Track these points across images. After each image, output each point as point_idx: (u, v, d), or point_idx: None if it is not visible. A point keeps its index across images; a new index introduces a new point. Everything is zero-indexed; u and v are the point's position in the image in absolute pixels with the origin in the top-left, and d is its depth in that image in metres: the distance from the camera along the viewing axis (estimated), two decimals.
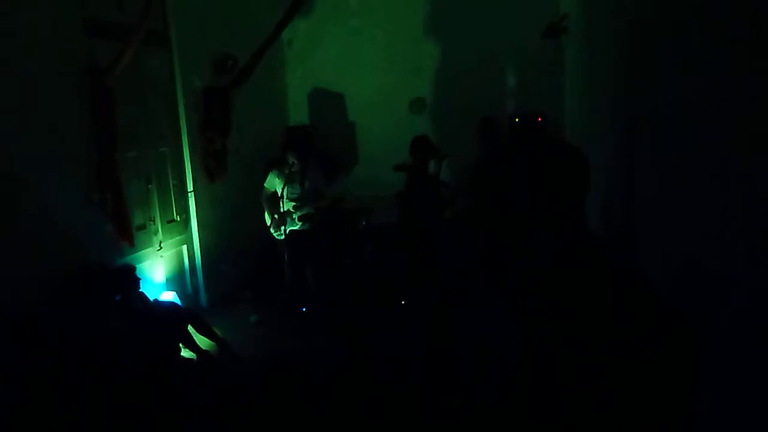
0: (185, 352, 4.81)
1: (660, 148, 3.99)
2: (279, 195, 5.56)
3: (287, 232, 5.69)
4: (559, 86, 7.50)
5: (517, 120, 6.88)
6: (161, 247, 5.47)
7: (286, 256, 5.79)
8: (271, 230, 5.73)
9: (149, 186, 5.34)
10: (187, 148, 5.83)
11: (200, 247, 6.03)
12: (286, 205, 5.67)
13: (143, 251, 5.21)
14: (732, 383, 2.29)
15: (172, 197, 5.70)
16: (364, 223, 6.84)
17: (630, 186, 4.93)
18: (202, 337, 4.98)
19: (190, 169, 5.86)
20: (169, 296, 5.28)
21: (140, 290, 4.62)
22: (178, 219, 5.77)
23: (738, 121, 2.17)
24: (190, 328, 4.90)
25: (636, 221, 4.91)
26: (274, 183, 5.69)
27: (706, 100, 2.69)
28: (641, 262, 4.63)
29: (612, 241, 5.60)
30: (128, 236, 4.87)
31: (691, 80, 2.92)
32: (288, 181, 5.57)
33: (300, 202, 5.70)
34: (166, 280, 5.58)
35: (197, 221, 5.97)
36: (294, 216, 5.71)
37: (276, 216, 5.62)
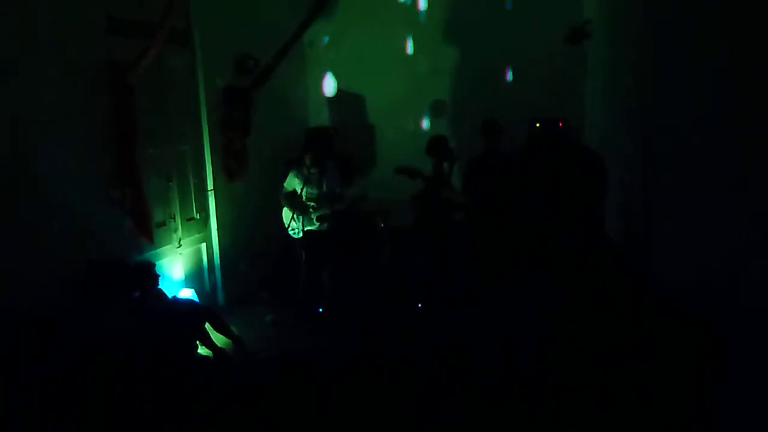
0: (202, 349, 4.85)
1: (679, 155, 3.96)
2: (298, 195, 5.60)
3: (304, 231, 5.71)
4: (581, 92, 7.47)
5: (537, 125, 6.83)
6: (180, 245, 5.51)
7: (302, 257, 5.81)
8: (289, 230, 5.76)
9: (169, 183, 5.38)
10: (208, 146, 5.87)
11: (219, 245, 6.06)
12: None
13: (163, 248, 5.25)
14: (754, 386, 2.26)
15: (192, 195, 5.74)
16: (381, 225, 6.83)
17: (648, 192, 4.90)
18: (219, 334, 5.01)
19: (210, 168, 5.90)
20: (188, 293, 5.31)
21: (159, 287, 4.66)
22: (198, 217, 5.81)
23: (756, 129, 2.15)
24: (207, 325, 4.93)
25: (654, 226, 4.88)
26: (294, 183, 5.74)
27: (728, 108, 2.67)
28: (658, 267, 4.59)
29: (630, 245, 5.56)
30: (148, 233, 4.91)
31: (712, 89, 2.90)
32: (307, 182, 5.60)
33: (318, 203, 5.71)
34: (185, 277, 5.62)
35: (216, 220, 6.01)
36: (312, 216, 5.73)
37: (296, 210, 5.66)
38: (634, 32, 5.42)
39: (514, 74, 7.61)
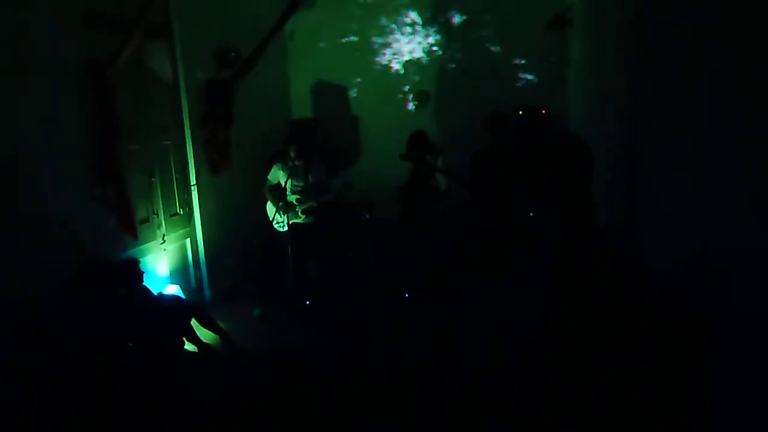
0: (189, 346, 4.82)
1: (665, 142, 3.97)
2: (283, 188, 5.58)
3: (290, 224, 5.70)
4: (564, 79, 7.48)
5: (521, 112, 6.85)
6: (164, 241, 5.47)
7: (289, 250, 5.79)
8: (274, 224, 5.74)
9: (152, 179, 5.33)
10: (190, 141, 5.81)
11: (204, 240, 6.03)
12: (290, 198, 5.72)
13: (146, 245, 5.21)
14: (741, 372, 2.28)
15: (176, 190, 5.69)
16: (367, 216, 6.83)
17: (635, 179, 4.92)
18: (206, 330, 4.99)
19: (193, 162, 5.85)
20: (173, 290, 5.27)
21: (144, 284, 4.63)
22: (182, 212, 5.77)
23: (747, 117, 2.16)
24: (193, 321, 4.91)
25: (640, 213, 4.90)
26: (278, 176, 5.73)
27: (713, 96, 2.68)
28: (644, 253, 4.62)
29: (616, 231, 5.59)
30: (131, 230, 4.86)
31: (700, 78, 2.90)
32: (291, 175, 5.59)
33: (303, 195, 5.72)
34: (170, 273, 5.58)
35: (200, 214, 5.96)
36: (297, 209, 5.73)
37: (281, 204, 5.64)
38: (616, 16, 5.43)
39: (497, 62, 7.59)
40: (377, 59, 8.03)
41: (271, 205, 5.80)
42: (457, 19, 7.73)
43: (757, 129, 2.04)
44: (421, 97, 8.01)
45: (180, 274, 5.78)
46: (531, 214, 5.27)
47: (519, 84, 7.43)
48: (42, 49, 4.06)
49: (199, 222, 5.97)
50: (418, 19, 7.84)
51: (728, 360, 2.30)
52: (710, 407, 2.56)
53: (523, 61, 7.57)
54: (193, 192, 5.89)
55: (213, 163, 6.14)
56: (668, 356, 3.01)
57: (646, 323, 3.80)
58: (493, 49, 7.54)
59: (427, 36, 7.87)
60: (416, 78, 7.98)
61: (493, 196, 5.67)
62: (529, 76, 7.42)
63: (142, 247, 5.12)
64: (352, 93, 8.20)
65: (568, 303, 4.53)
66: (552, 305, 4.54)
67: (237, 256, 6.55)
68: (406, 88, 8.03)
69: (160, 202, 5.45)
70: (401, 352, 4.59)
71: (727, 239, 2.32)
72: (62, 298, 3.99)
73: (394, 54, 7.98)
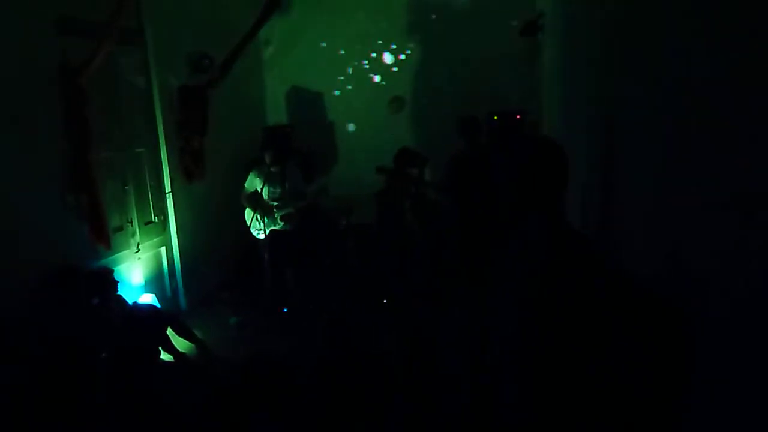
0: (164, 355, 4.76)
1: (638, 146, 4.02)
2: (259, 194, 5.57)
3: (268, 231, 5.67)
4: (537, 84, 7.55)
5: (495, 118, 6.90)
6: (139, 249, 5.40)
7: (266, 257, 5.77)
8: (252, 230, 5.73)
9: (126, 187, 5.27)
10: (164, 148, 5.75)
11: (179, 248, 5.97)
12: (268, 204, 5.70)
13: (120, 253, 5.14)
14: (722, 375, 2.31)
15: (150, 198, 5.63)
16: (344, 222, 6.82)
17: (608, 183, 4.98)
18: (182, 339, 4.93)
19: (167, 170, 5.79)
20: (148, 299, 5.21)
21: (118, 293, 4.57)
22: (156, 220, 5.70)
23: (710, 118, 2.20)
24: (169, 331, 4.84)
25: (614, 216, 4.96)
26: (255, 183, 5.73)
27: (684, 98, 2.72)
28: (620, 255, 4.67)
29: (591, 234, 5.65)
30: (105, 238, 4.79)
31: (671, 78, 2.95)
32: (268, 182, 5.58)
33: (281, 202, 5.71)
34: (145, 282, 5.51)
35: (176, 222, 5.90)
36: (276, 216, 5.72)
37: (258, 210, 5.62)
38: (586, 22, 5.50)
39: (472, 68, 7.64)
40: (353, 65, 8.02)
41: (249, 212, 5.79)
42: (433, 25, 7.77)
43: (723, 128, 2.08)
44: (397, 103, 8.02)
45: (155, 282, 5.71)
46: (507, 221, 5.31)
47: (495, 89, 7.46)
48: (11, 54, 3.99)
49: (175, 230, 5.91)
50: (395, 25, 7.86)
51: (708, 364, 2.33)
52: (690, 411, 2.60)
53: (498, 68, 7.63)
54: (167, 200, 5.83)
55: (188, 170, 6.08)
56: (648, 360, 3.05)
57: (625, 327, 3.85)
58: (469, 55, 7.58)
59: (403, 42, 7.89)
60: (392, 84, 7.99)
61: (471, 202, 5.69)
62: (504, 82, 7.47)
63: (116, 256, 5.05)
64: (328, 99, 8.18)
65: (547, 307, 4.57)
66: (533, 310, 4.57)
67: (213, 263, 6.50)
68: (382, 93, 8.03)
69: (134, 210, 5.38)
70: (379, 357, 4.59)
71: (704, 239, 2.35)
72: (34, 308, 3.91)
73: (369, 59, 7.99)
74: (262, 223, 5.70)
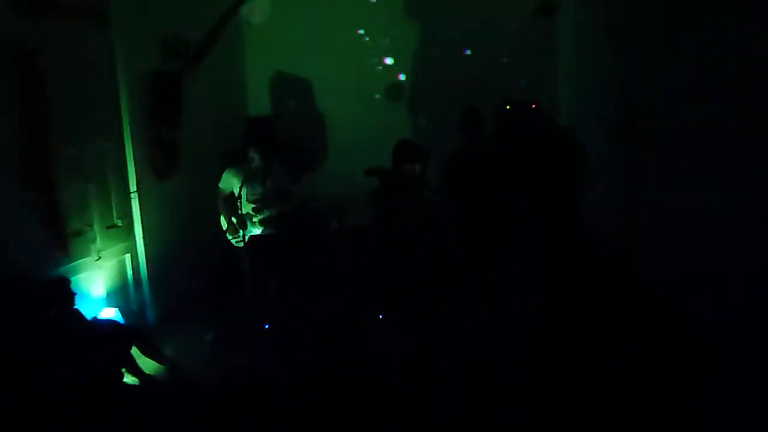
0: (128, 378, 4.73)
1: (670, 143, 4.02)
2: (237, 196, 5.53)
3: (247, 238, 5.66)
4: (553, 70, 7.54)
5: (508, 107, 6.89)
6: (100, 257, 5.37)
7: (246, 266, 5.74)
8: (228, 236, 5.71)
9: (87, 186, 5.24)
10: (131, 141, 5.71)
11: (146, 255, 5.93)
12: (245, 208, 5.68)
13: (79, 261, 5.10)
14: (742, 382, 2.32)
15: (113, 199, 5.58)
16: (336, 225, 6.81)
17: (635, 182, 4.98)
18: (149, 359, 4.91)
19: (134, 167, 5.75)
20: (110, 313, 5.18)
21: (75, 307, 4.53)
22: (120, 224, 5.67)
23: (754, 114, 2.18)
24: (134, 349, 4.82)
25: (636, 217, 4.96)
26: (231, 183, 5.69)
27: (724, 92, 2.70)
28: (644, 263, 4.68)
29: (610, 237, 5.66)
30: (62, 244, 4.77)
31: (709, 71, 2.92)
32: (247, 181, 5.56)
33: (262, 203, 5.70)
34: (107, 294, 5.48)
35: (143, 226, 5.87)
36: (255, 219, 5.70)
37: (234, 219, 5.58)
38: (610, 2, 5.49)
39: (479, 53, 7.63)
40: (346, 47, 8.02)
41: (225, 219, 5.79)
42: (436, 2, 7.76)
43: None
44: (395, 90, 8.01)
45: (118, 294, 5.68)
46: (517, 222, 5.33)
47: (505, 77, 7.45)
48: None
49: (141, 235, 5.88)
50: (393, 2, 7.85)
51: (727, 371, 2.35)
52: (708, 414, 2.66)
53: (509, 51, 7.62)
54: (134, 200, 5.80)
55: (158, 167, 6.06)
56: (665, 371, 3.10)
57: (642, 337, 3.88)
58: (476, 37, 7.57)
59: (402, 21, 7.88)
60: (389, 69, 7.98)
61: (474, 203, 5.68)
62: (516, 68, 7.46)
63: (73, 264, 5.02)
64: (318, 85, 8.19)
65: (558, 319, 4.60)
66: (541, 322, 4.60)
67: (185, 272, 6.48)
68: (379, 79, 8.03)
69: (95, 212, 5.35)
70: (374, 378, 4.60)
71: (731, 248, 2.34)
72: None
73: (365, 42, 7.98)
74: (240, 230, 5.68)
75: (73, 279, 4.70)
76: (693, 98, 3.25)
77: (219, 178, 5.83)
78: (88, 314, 4.80)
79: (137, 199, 5.82)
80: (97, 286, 5.37)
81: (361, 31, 7.99)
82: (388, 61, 7.99)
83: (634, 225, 4.99)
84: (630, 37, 4.89)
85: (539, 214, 5.11)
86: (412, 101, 8.03)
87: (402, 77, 8.04)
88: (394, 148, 6.11)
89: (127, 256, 5.83)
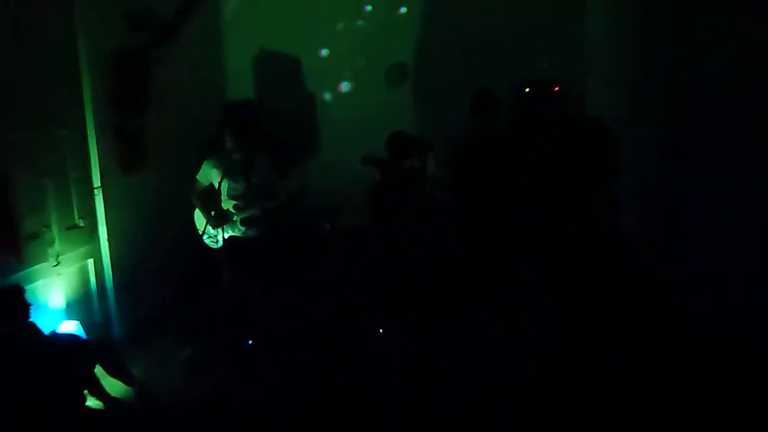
0: (91, 401, 4.74)
1: (723, 134, 4.00)
2: (217, 191, 5.53)
3: (228, 239, 5.67)
4: (582, 47, 7.52)
5: (527, 90, 6.89)
6: (59, 262, 5.38)
7: (226, 272, 5.74)
8: (205, 238, 5.72)
9: (42, 181, 5.24)
10: (93, 130, 5.71)
11: (112, 260, 5.94)
12: (226, 205, 5.73)
13: (35, 267, 5.10)
14: None
15: (74, 196, 5.58)
16: (328, 227, 6.81)
17: (676, 178, 4.97)
18: (115, 380, 4.91)
19: (97, 158, 5.75)
20: (71, 327, 5.18)
21: (30, 320, 4.53)
22: (82, 224, 5.67)
23: None
24: (98, 368, 4.83)
25: (680, 222, 4.95)
26: (211, 176, 5.71)
27: None
28: (683, 271, 4.68)
29: (647, 243, 5.65)
30: (14, 248, 4.78)
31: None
32: (228, 174, 5.56)
33: (244, 201, 5.71)
34: (67, 305, 5.48)
35: (108, 227, 5.87)
36: (236, 219, 5.71)
37: (213, 213, 5.60)
38: None
39: (497, 25, 7.62)
40: (341, 22, 8.04)
41: (201, 215, 5.79)
42: None
43: None
44: (398, 72, 8.01)
45: (80, 305, 5.67)
46: (535, 220, 5.34)
47: (526, 54, 7.44)
48: None
49: (106, 237, 5.88)
50: None
51: None
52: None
53: (530, 25, 7.60)
54: (97, 197, 5.80)
55: (124, 158, 6.05)
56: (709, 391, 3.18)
57: (682, 357, 3.91)
58: (493, 8, 7.56)
59: None
60: (390, 46, 8.00)
61: (484, 201, 5.67)
62: (539, 44, 7.44)
63: (28, 271, 5.02)
64: (308, 66, 8.20)
65: (585, 334, 4.62)
66: (566, 336, 4.61)
67: (156, 280, 6.49)
68: (379, 59, 8.04)
69: (54, 211, 5.35)
70: (370, 400, 4.63)
71: None
72: None
73: (361, 15, 7.98)
74: (218, 230, 5.68)
75: (27, 288, 4.70)
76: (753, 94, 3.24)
77: (196, 171, 5.84)
78: (46, 328, 4.80)
79: (101, 196, 5.81)
80: (55, 295, 5.37)
81: (359, 3, 7.97)
82: (390, 37, 7.96)
83: (672, 231, 5.00)
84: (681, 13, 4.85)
85: (560, 215, 5.12)
86: (417, 85, 8.04)
87: (405, 57, 8.02)
88: (387, 140, 6.12)
89: (90, 261, 5.83)
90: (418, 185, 6.07)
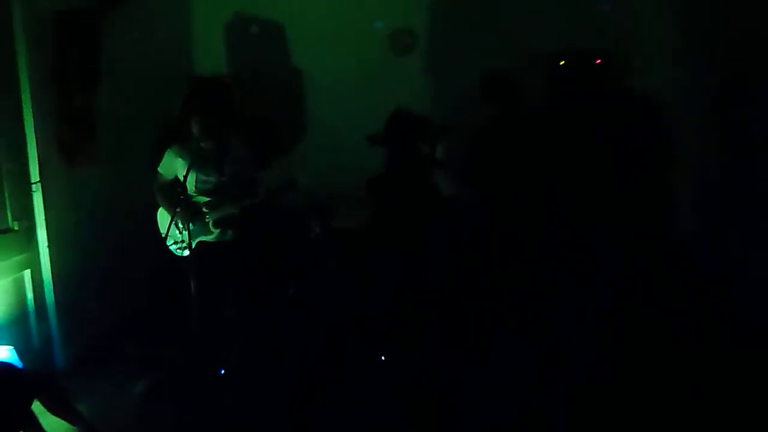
0: None
1: None
2: (183, 185, 5.52)
3: (197, 245, 5.67)
4: (630, 7, 7.47)
5: (562, 63, 6.87)
6: None
7: (193, 285, 5.70)
8: (169, 243, 5.78)
9: None
10: (30, 111, 5.68)
11: (54, 272, 5.93)
12: (195, 201, 5.73)
13: None
14: None
15: (6, 192, 5.59)
16: (317, 230, 6.79)
17: (746, 171, 4.91)
18: (57, 417, 4.85)
19: (35, 147, 5.73)
20: (3, 354, 5.14)
21: None
22: (17, 228, 5.67)
23: None
24: (36, 404, 4.77)
25: (744, 221, 4.90)
26: (175, 167, 5.70)
27: None
28: (743, 277, 4.65)
29: (709, 247, 5.61)
30: None
31: None
32: (197, 165, 5.54)
33: (216, 198, 5.70)
34: None
35: (48, 231, 5.86)
36: (207, 220, 5.70)
37: (179, 211, 5.57)
38: None
39: None
40: None
41: (165, 213, 5.78)
42: None
43: None
44: (402, 40, 7.99)
45: (14, 327, 5.65)
46: (571, 226, 5.31)
47: (559, 16, 7.40)
48: None
49: (46, 243, 5.87)
50: None
51: None
52: None
53: None
54: (36, 194, 5.79)
55: (68, 146, 6.03)
56: None
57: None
58: None
59: None
60: (394, 9, 7.98)
61: (512, 197, 5.64)
62: (575, 5, 7.41)
63: None
64: (292, 33, 8.23)
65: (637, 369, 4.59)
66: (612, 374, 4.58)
67: (109, 295, 6.48)
68: (379, 25, 8.00)
69: None
70: None
71: None
72: None
73: None
74: (185, 232, 5.62)
75: None
76: None
77: (158, 162, 5.81)
78: None
79: (40, 193, 5.79)
80: None
81: None
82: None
83: (736, 230, 4.95)
84: None
85: (607, 216, 5.08)
86: (428, 55, 8.01)
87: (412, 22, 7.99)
88: (387, 120, 6.08)
89: (27, 273, 5.82)
90: (428, 178, 6.06)
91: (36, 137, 5.72)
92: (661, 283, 5.01)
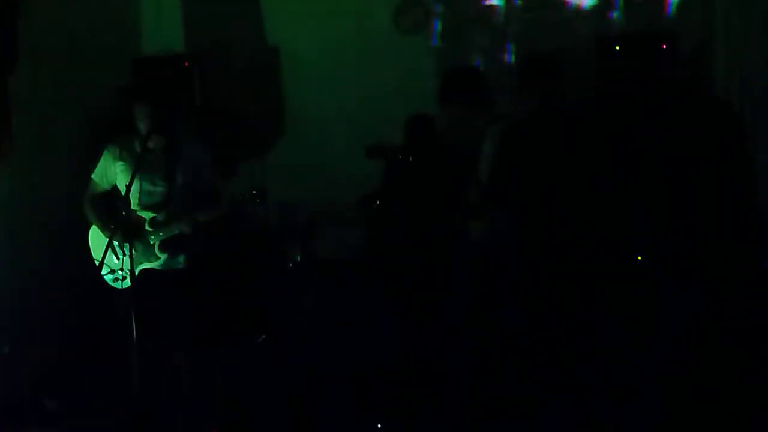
0: None
1: None
2: (123, 197, 5.44)
3: (139, 274, 5.66)
4: None
5: (618, 48, 6.97)
6: None
7: (134, 325, 5.81)
8: (104, 273, 5.79)
9: None
10: None
11: None
12: (140, 215, 5.72)
13: None
14: None
15: None
16: (297, 257, 6.88)
17: None
18: None
19: None
20: None
21: None
22: None
23: None
24: None
25: None
26: (114, 173, 5.74)
27: None
28: None
29: None
30: None
31: None
32: (141, 171, 5.50)
33: (165, 212, 5.73)
34: None
35: None
36: (152, 241, 5.74)
37: (116, 230, 5.41)
38: None
39: None
40: None
41: (99, 233, 5.80)
42: None
43: None
44: (413, 14, 8.19)
45: None
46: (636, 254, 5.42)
47: None
48: None
49: None
50: None
51: None
52: None
53: None
54: None
55: None
56: None
57: None
58: None
59: None
60: None
61: (553, 212, 5.59)
62: None
63: None
64: (270, 4, 8.31)
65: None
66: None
67: (26, 337, 6.55)
68: None
69: None
70: None
71: None
72: None
73: None
74: (125, 258, 5.52)
75: None
76: None
77: (87, 168, 5.83)
78: None
79: None
80: None
81: None
82: None
83: None
84: None
85: (673, 230, 5.11)
86: (446, 32, 8.14)
87: None
88: (406, 122, 6.17)
89: None
90: (459, 185, 6.00)
91: None
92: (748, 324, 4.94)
